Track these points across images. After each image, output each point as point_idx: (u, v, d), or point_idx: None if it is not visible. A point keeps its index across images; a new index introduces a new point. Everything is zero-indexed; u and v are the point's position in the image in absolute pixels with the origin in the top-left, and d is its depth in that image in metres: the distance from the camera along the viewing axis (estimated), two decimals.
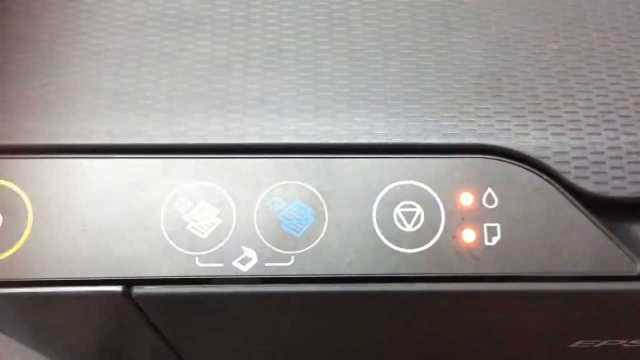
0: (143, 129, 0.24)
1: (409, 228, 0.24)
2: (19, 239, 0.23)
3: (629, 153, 0.25)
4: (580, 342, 0.30)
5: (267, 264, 0.23)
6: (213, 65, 0.26)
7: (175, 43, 0.26)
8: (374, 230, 0.24)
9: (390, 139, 0.25)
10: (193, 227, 0.24)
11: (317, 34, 0.27)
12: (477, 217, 0.24)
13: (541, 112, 0.25)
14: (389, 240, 0.24)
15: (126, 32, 0.26)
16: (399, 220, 0.24)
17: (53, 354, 0.34)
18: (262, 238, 0.24)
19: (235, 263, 0.23)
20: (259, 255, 0.23)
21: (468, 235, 0.24)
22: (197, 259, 0.23)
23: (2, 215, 0.23)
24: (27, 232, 0.23)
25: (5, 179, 0.23)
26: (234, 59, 0.26)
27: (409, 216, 0.24)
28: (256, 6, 0.27)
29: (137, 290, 0.23)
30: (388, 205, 0.24)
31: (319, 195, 0.24)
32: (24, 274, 0.23)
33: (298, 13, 0.27)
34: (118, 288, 0.23)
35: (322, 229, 0.24)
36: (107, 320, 0.27)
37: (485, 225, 0.24)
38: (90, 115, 0.24)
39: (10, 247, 0.23)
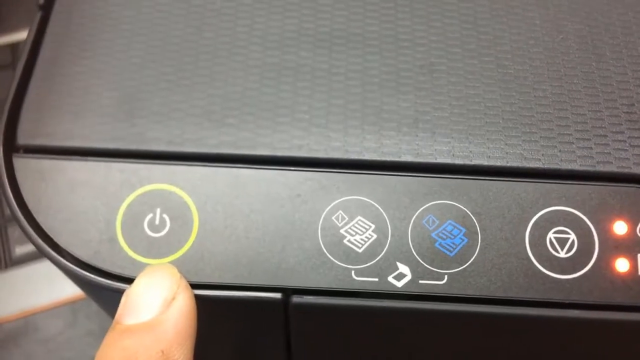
0: (303, 143, 0.25)
1: (562, 254, 0.24)
2: (184, 243, 0.24)
3: None
4: None
5: (421, 281, 0.24)
6: (365, 82, 0.26)
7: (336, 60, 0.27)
8: (527, 254, 0.24)
9: (544, 164, 0.25)
10: (349, 241, 0.24)
11: (466, 55, 0.27)
12: (630, 246, 0.24)
13: None
14: (542, 265, 0.24)
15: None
16: (552, 245, 0.24)
17: None
18: (416, 255, 0.24)
19: (390, 278, 0.24)
20: (413, 272, 0.24)
21: (622, 265, 0.24)
22: (353, 272, 0.24)
23: (170, 219, 0.24)
24: (192, 236, 0.24)
25: (174, 185, 0.24)
26: (384, 77, 0.27)
27: (562, 242, 0.24)
28: (418, 30, 0.28)
29: (296, 299, 0.24)
30: (541, 229, 0.24)
31: (472, 216, 0.24)
32: (188, 276, 0.23)
33: (446, 35, 0.28)
34: (277, 295, 0.24)
35: (475, 250, 0.24)
36: (246, 326, 0.27)
37: (639, 255, 0.24)
38: (255, 127, 0.25)
39: (176, 250, 0.24)
